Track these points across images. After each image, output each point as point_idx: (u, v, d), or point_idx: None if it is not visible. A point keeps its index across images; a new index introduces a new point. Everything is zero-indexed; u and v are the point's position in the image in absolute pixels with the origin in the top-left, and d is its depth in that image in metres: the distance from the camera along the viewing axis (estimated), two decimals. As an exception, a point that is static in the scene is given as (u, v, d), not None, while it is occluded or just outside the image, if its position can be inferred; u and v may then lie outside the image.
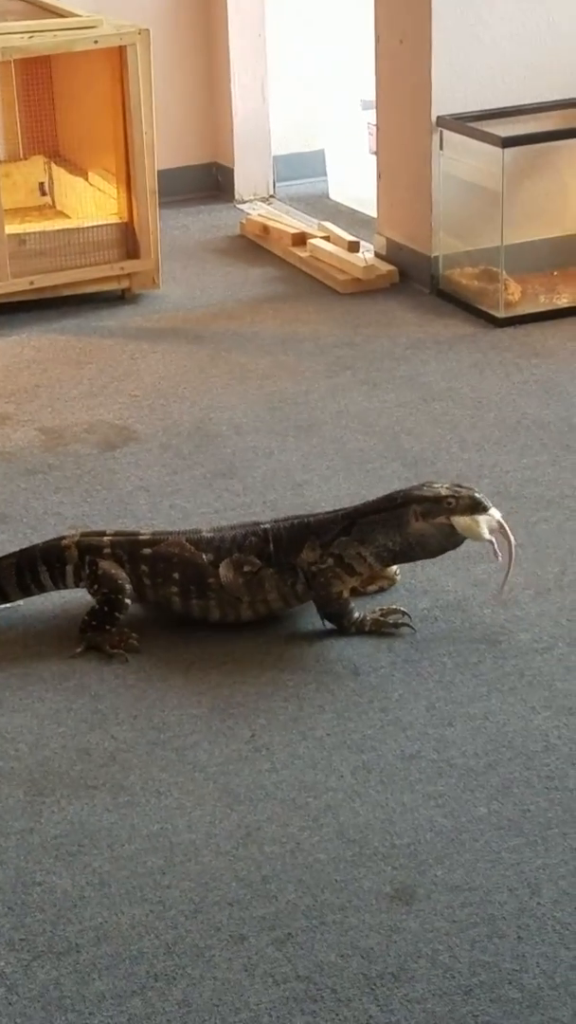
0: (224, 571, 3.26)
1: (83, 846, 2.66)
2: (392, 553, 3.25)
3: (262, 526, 3.32)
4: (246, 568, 3.25)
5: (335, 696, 3.09)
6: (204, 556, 3.27)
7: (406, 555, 3.26)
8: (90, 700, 3.11)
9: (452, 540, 3.22)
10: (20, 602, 3.44)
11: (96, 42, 5.14)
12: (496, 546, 3.19)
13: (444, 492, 3.20)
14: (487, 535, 3.18)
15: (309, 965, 2.37)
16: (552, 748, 2.88)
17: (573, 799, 2.73)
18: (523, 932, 2.41)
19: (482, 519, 3.17)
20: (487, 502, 3.19)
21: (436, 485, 3.25)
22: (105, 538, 3.34)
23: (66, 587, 3.37)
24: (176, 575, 3.27)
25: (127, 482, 4.11)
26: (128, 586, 3.27)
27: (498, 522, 3.19)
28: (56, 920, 2.49)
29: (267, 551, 3.26)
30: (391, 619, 3.30)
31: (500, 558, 3.20)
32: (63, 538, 3.39)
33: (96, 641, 3.28)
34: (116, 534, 3.37)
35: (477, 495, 3.19)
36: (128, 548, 3.30)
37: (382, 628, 3.29)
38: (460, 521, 3.17)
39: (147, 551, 3.30)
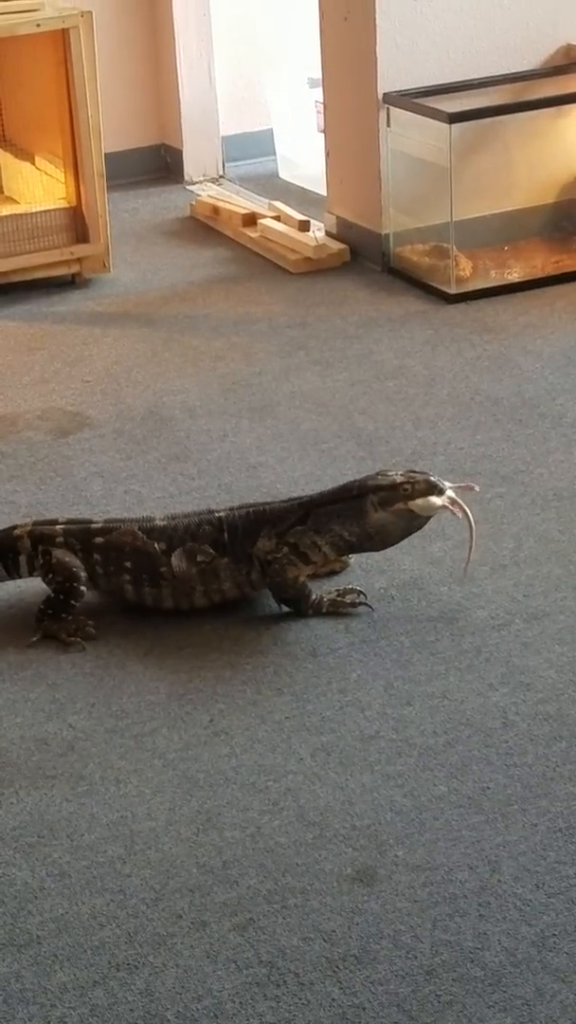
0: (177, 561, 3.24)
1: (42, 837, 2.65)
2: (348, 543, 3.25)
3: (216, 514, 3.30)
4: (199, 558, 3.24)
5: (293, 679, 3.08)
6: (156, 545, 3.26)
7: (364, 545, 3.26)
8: (47, 689, 3.10)
9: (414, 524, 3.22)
10: (-25, 593, 3.43)
11: (38, 25, 5.09)
12: (461, 504, 3.20)
13: (399, 479, 3.20)
14: (436, 505, 3.19)
15: (271, 950, 2.37)
16: (510, 724, 2.88)
17: (532, 775, 2.73)
18: (484, 910, 2.42)
19: (437, 499, 3.19)
20: (443, 484, 3.19)
21: (391, 473, 3.25)
22: (57, 527, 3.32)
23: (20, 576, 3.35)
24: (128, 564, 3.26)
25: (81, 468, 4.09)
26: (83, 574, 3.26)
27: (452, 499, 3.20)
28: (16, 912, 2.48)
29: (221, 540, 3.25)
30: (348, 599, 3.29)
31: (461, 518, 3.20)
32: (15, 527, 3.37)
33: (52, 630, 3.27)
34: (68, 522, 3.35)
35: (432, 478, 3.19)
36: (80, 537, 3.29)
37: (339, 608, 3.28)
38: (418, 503, 3.18)
39: (99, 540, 3.28)
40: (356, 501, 3.22)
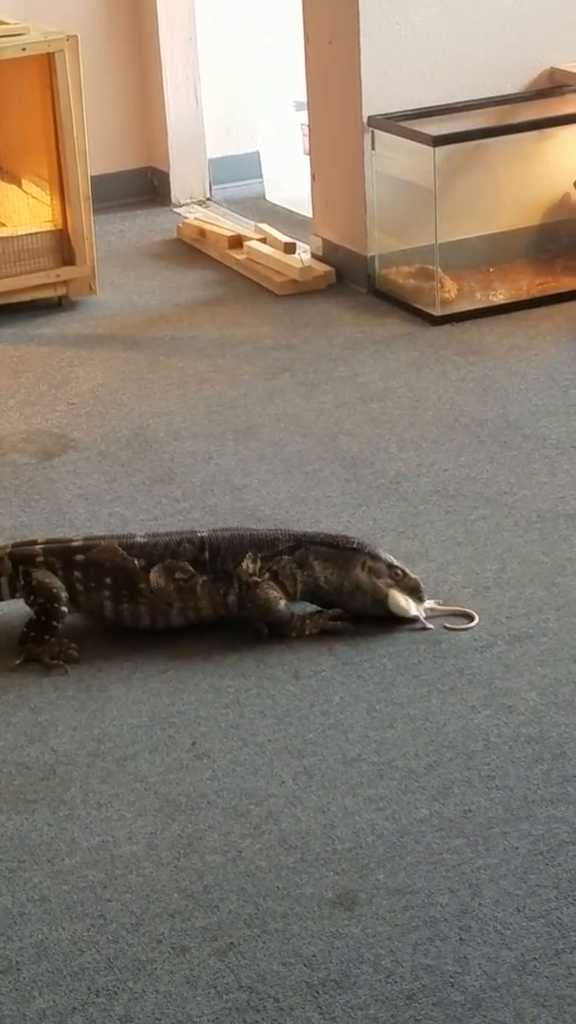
0: (155, 576, 3.24)
1: (23, 862, 2.64)
2: (318, 588, 3.27)
3: (199, 534, 3.31)
4: (178, 575, 3.24)
5: (276, 701, 3.08)
6: (136, 561, 3.26)
7: (328, 596, 3.28)
8: (29, 713, 3.09)
9: (376, 606, 3.27)
10: (-42, 616, 3.43)
11: (24, 49, 5.11)
12: (423, 619, 3.26)
13: (396, 563, 3.29)
14: (413, 611, 3.26)
15: (251, 975, 2.36)
16: (492, 747, 2.88)
17: (513, 798, 2.73)
18: (465, 934, 2.41)
19: (415, 604, 3.27)
20: (424, 594, 3.28)
21: (388, 555, 3.31)
22: (37, 547, 3.32)
23: (1, 599, 3.35)
24: (108, 580, 3.26)
25: (66, 491, 4.09)
26: (63, 594, 3.26)
27: (428, 610, 3.28)
28: (-4, 938, 2.47)
29: (201, 559, 3.25)
30: (330, 618, 3.30)
31: (429, 627, 3.26)
32: None
33: (35, 653, 3.26)
34: (48, 542, 3.35)
35: (420, 585, 3.29)
36: (61, 555, 3.29)
37: (323, 626, 3.28)
38: (396, 596, 3.26)
39: (80, 557, 3.28)
40: (350, 553, 3.27)
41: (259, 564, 3.25)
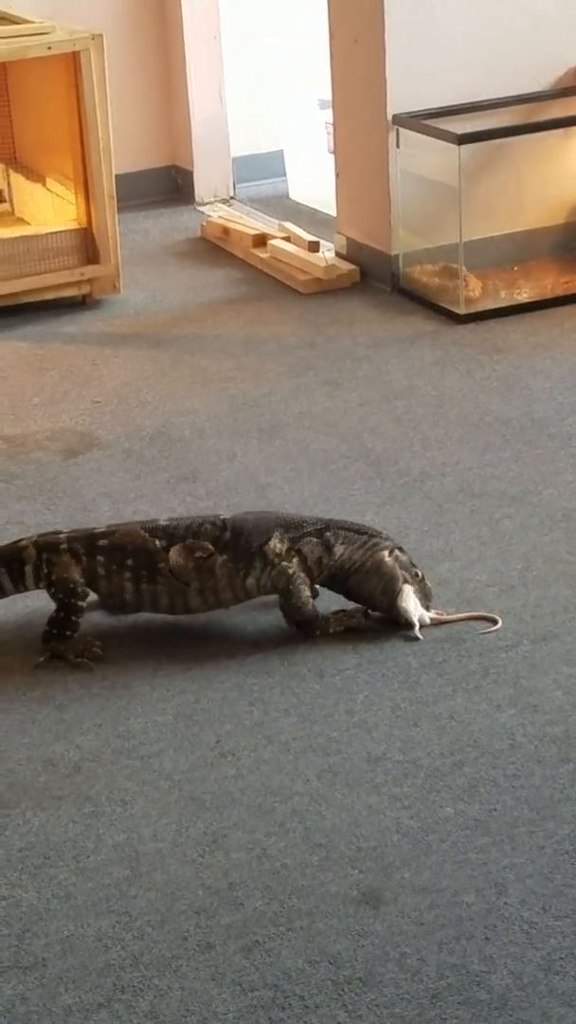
0: (175, 555, 3.24)
1: (48, 858, 2.65)
2: (339, 569, 3.25)
3: (221, 516, 3.33)
4: (197, 553, 3.24)
5: (300, 699, 3.08)
6: (157, 542, 3.26)
7: (345, 576, 3.26)
8: (54, 710, 3.10)
9: (383, 596, 3.24)
10: (-17, 613, 3.44)
11: (50, 48, 5.12)
12: (418, 630, 3.23)
13: (418, 570, 3.29)
14: (415, 619, 3.23)
15: (277, 972, 2.36)
16: (518, 746, 2.87)
17: (539, 797, 2.72)
18: (491, 933, 2.41)
19: (422, 610, 3.25)
20: (429, 607, 3.29)
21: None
22: (61, 535, 3.33)
23: (26, 588, 3.35)
24: (130, 562, 3.26)
25: (90, 489, 4.09)
26: (81, 588, 3.26)
27: (431, 620, 3.26)
28: (22, 934, 2.48)
29: (222, 539, 3.25)
30: (355, 617, 3.29)
31: (420, 637, 3.24)
32: (21, 539, 3.38)
33: (60, 650, 3.27)
34: (73, 531, 3.36)
35: (429, 597, 3.29)
36: (84, 541, 3.29)
37: (347, 624, 3.28)
38: (409, 594, 3.24)
39: (103, 542, 3.29)
40: (378, 539, 3.27)
41: (286, 544, 3.24)
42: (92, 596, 3.31)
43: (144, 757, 2.92)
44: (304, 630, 3.28)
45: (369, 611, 3.31)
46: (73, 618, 3.26)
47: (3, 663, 3.27)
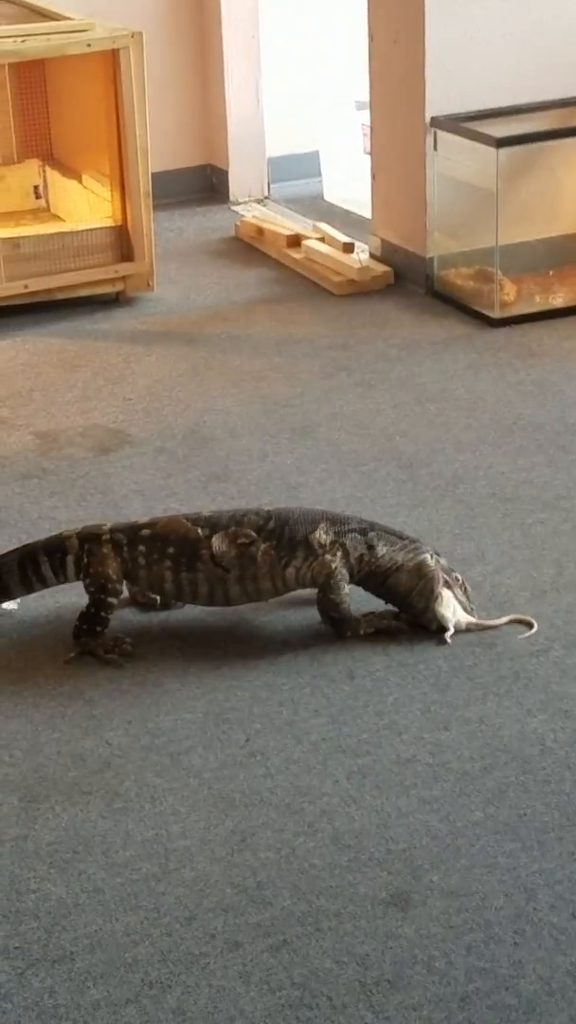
0: (218, 542, 3.24)
1: (77, 853, 2.65)
2: (377, 568, 3.24)
3: (266, 508, 3.33)
4: (240, 539, 3.24)
5: (330, 700, 3.08)
6: (200, 530, 3.27)
7: (382, 575, 3.25)
8: (84, 705, 3.10)
9: (420, 597, 3.22)
10: (15, 606, 3.44)
11: (89, 45, 5.13)
12: (449, 636, 3.22)
13: (459, 575, 3.30)
14: (450, 624, 3.22)
15: (304, 972, 2.36)
16: (548, 751, 2.87)
17: (569, 803, 2.71)
18: (519, 938, 2.40)
19: (462, 613, 3.24)
20: (472, 611, 3.28)
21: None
22: (105, 526, 3.33)
23: (67, 579, 3.34)
24: (171, 550, 3.25)
25: (121, 486, 4.10)
26: (113, 586, 3.26)
27: (467, 624, 3.25)
28: (51, 928, 2.48)
29: (266, 528, 3.25)
30: (385, 620, 3.29)
31: (448, 641, 3.23)
32: (65, 530, 3.38)
33: (90, 646, 3.27)
34: (116, 523, 3.37)
35: (471, 603, 3.29)
36: (127, 531, 3.30)
37: (378, 625, 3.28)
38: (449, 598, 3.23)
39: (146, 532, 3.29)
40: (419, 544, 3.27)
41: (331, 536, 3.24)
42: (124, 593, 3.32)
43: (173, 754, 2.92)
44: (337, 628, 3.27)
45: (399, 614, 3.30)
46: (103, 614, 3.27)
47: (34, 658, 3.28)
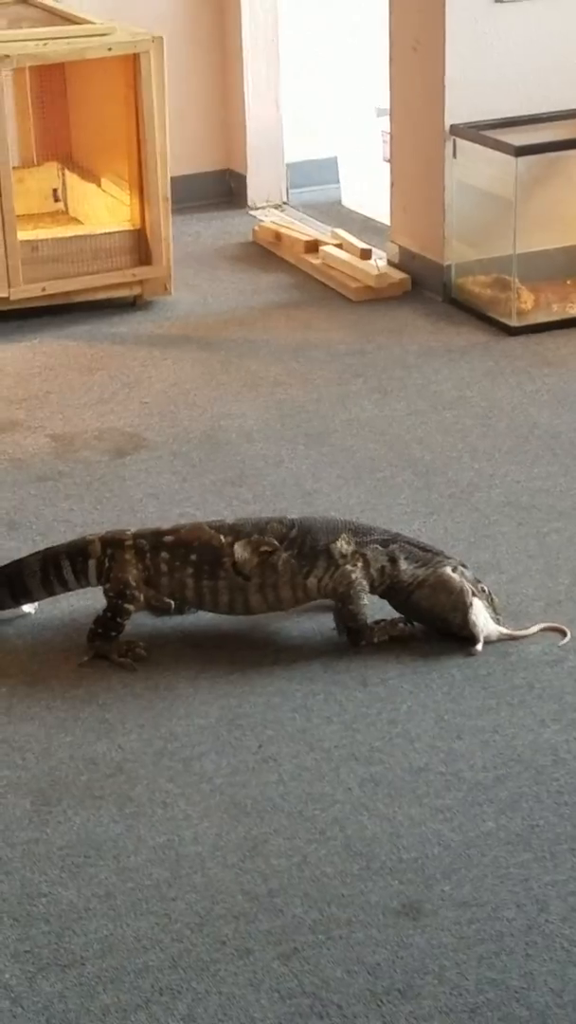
0: (240, 549, 3.24)
1: (89, 857, 2.65)
2: (399, 583, 3.23)
3: (289, 517, 3.33)
4: (263, 548, 3.24)
5: (343, 707, 3.07)
6: (223, 538, 3.26)
7: (406, 591, 3.24)
8: (97, 709, 3.10)
9: (453, 611, 3.21)
10: (32, 610, 3.44)
11: (110, 49, 5.13)
12: (480, 646, 3.21)
13: (486, 586, 3.29)
14: (480, 635, 3.21)
15: (315, 980, 2.35)
16: (561, 762, 2.86)
17: (582, 814, 2.71)
18: (531, 949, 2.40)
19: (492, 624, 3.23)
20: (500, 621, 3.28)
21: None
22: (128, 532, 3.33)
23: (88, 584, 3.33)
24: (193, 556, 3.25)
25: (137, 489, 4.10)
26: (131, 592, 3.26)
27: (498, 636, 3.24)
28: (61, 932, 2.48)
29: (288, 536, 3.25)
30: (398, 627, 3.29)
31: (478, 650, 3.22)
32: (88, 535, 3.38)
33: (104, 650, 3.27)
34: (140, 529, 3.36)
35: (498, 613, 3.28)
36: (151, 538, 3.30)
37: (392, 634, 3.27)
38: (480, 609, 3.22)
39: (168, 539, 3.29)
40: (442, 557, 3.26)
41: (353, 546, 3.24)
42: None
43: (186, 759, 2.92)
44: (352, 638, 3.27)
45: (411, 623, 3.30)
46: (120, 620, 3.27)
47: (47, 661, 3.28)
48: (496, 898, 2.51)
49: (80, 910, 2.52)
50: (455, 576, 3.22)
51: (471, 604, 3.21)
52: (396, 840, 2.66)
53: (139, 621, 3.35)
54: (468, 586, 3.22)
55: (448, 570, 3.23)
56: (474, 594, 3.22)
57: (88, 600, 3.39)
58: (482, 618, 3.22)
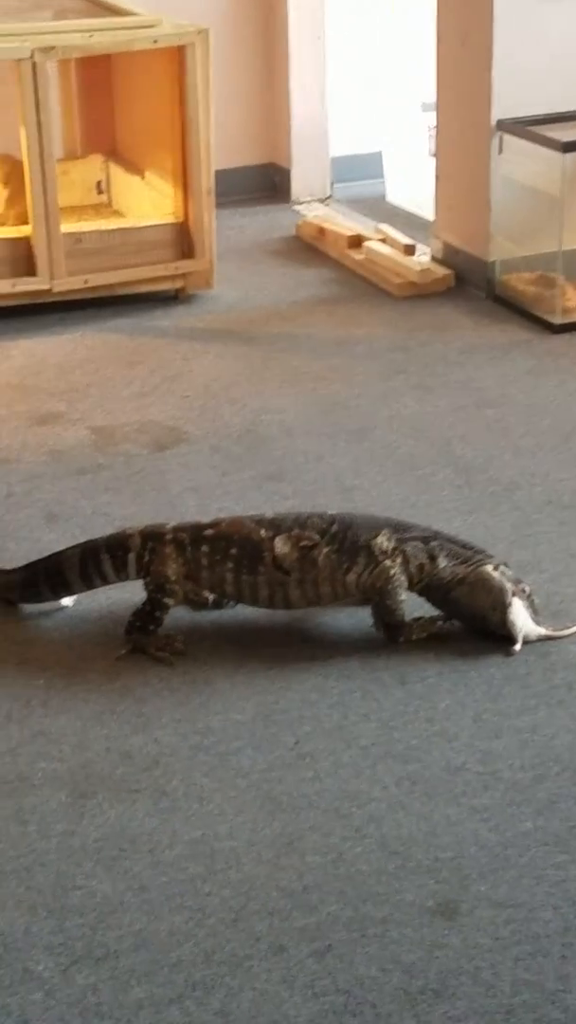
0: (280, 544, 3.23)
1: (124, 850, 2.65)
2: (439, 581, 3.21)
3: (330, 512, 3.31)
4: (303, 543, 3.22)
5: (381, 705, 3.05)
6: (263, 532, 3.25)
7: (446, 589, 3.22)
8: (134, 703, 3.10)
9: (492, 611, 3.18)
10: (71, 602, 3.44)
11: (155, 42, 5.13)
12: (518, 646, 3.19)
13: (527, 586, 3.25)
14: (519, 634, 3.18)
15: (349, 978, 2.34)
16: (601, 763, 2.83)
17: (621, 816, 2.68)
18: (568, 951, 2.37)
19: (531, 624, 3.20)
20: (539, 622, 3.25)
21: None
22: (168, 525, 3.32)
23: (128, 577, 3.32)
24: (234, 551, 3.24)
25: (176, 483, 4.09)
26: (170, 587, 3.25)
27: (537, 636, 3.22)
28: (95, 925, 2.47)
29: (329, 531, 3.23)
30: (436, 623, 3.27)
31: (516, 650, 3.19)
32: (128, 528, 3.38)
33: (141, 643, 3.27)
34: (180, 523, 3.35)
35: (538, 613, 3.25)
36: (191, 532, 3.29)
37: (430, 631, 3.25)
38: (519, 608, 3.19)
39: (209, 532, 3.28)
40: (483, 556, 3.24)
41: (393, 542, 3.22)
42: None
43: (222, 754, 2.91)
44: (390, 634, 3.25)
45: (450, 620, 3.28)
46: (158, 614, 3.26)
47: (84, 654, 3.28)
48: (533, 899, 2.49)
49: (114, 903, 2.52)
50: (495, 575, 3.20)
51: (510, 604, 3.18)
52: (432, 839, 2.65)
53: (177, 615, 3.34)
54: (508, 585, 3.20)
55: (488, 569, 3.21)
56: (514, 594, 3.20)
57: (126, 593, 3.39)
58: (521, 618, 3.19)
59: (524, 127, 5.12)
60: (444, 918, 2.46)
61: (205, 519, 3.38)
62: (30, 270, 5.24)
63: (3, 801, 2.78)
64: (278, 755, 2.90)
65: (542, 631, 3.23)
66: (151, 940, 2.43)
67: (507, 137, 5.17)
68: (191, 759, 2.90)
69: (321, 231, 6.10)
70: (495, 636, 3.21)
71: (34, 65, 4.98)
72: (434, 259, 5.65)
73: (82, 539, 3.56)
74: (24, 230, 5.30)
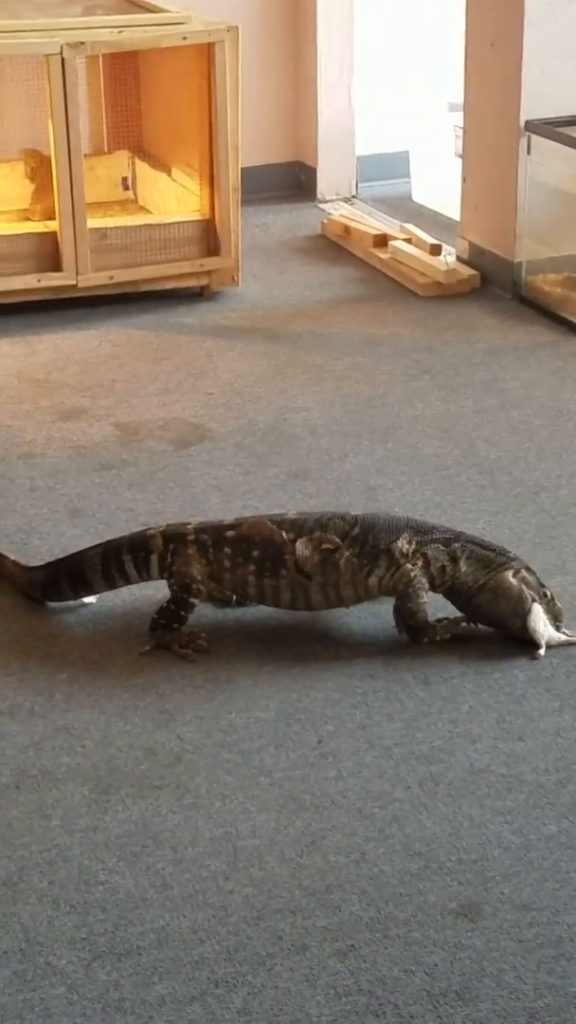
0: (301, 547, 3.22)
1: (147, 847, 2.65)
2: (462, 586, 3.21)
3: (352, 513, 3.30)
4: (324, 546, 3.22)
5: (404, 705, 3.05)
6: (285, 534, 3.24)
7: (467, 595, 3.21)
8: (157, 699, 3.10)
9: (513, 618, 3.19)
10: (93, 599, 3.44)
11: (185, 38, 5.12)
12: (543, 651, 3.19)
13: (548, 590, 3.24)
14: (542, 640, 3.18)
15: (372, 979, 2.33)
16: (625, 767, 2.83)
17: None
18: (591, 955, 2.37)
19: (551, 630, 3.20)
20: (560, 628, 3.24)
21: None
22: (190, 526, 3.32)
23: (150, 578, 3.33)
24: (256, 553, 3.24)
25: (200, 480, 4.09)
26: (196, 586, 3.25)
27: (559, 642, 3.21)
28: (118, 921, 2.47)
29: (350, 534, 3.22)
30: (460, 625, 3.26)
31: (541, 655, 3.19)
32: (149, 528, 3.38)
33: (165, 640, 3.27)
34: (201, 523, 3.35)
35: (562, 614, 3.24)
36: (212, 533, 3.28)
37: (454, 632, 3.25)
38: (539, 613, 3.18)
39: (230, 533, 3.27)
40: (504, 559, 3.22)
41: (414, 545, 3.21)
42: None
43: (245, 752, 2.91)
44: (413, 635, 3.25)
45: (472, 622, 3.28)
46: (183, 613, 3.26)
47: (108, 650, 3.28)
48: (556, 902, 2.48)
49: (137, 899, 2.52)
50: (514, 582, 3.19)
51: (530, 610, 3.18)
52: (456, 840, 2.64)
53: (200, 613, 3.34)
54: (527, 592, 3.19)
55: (508, 575, 3.20)
56: (534, 599, 3.19)
57: (150, 589, 3.39)
58: (542, 623, 3.18)
59: (552, 128, 5.11)
60: (467, 920, 2.45)
61: (227, 518, 3.38)
62: (56, 265, 5.25)
63: (26, 795, 2.79)
64: (301, 754, 2.90)
65: (563, 636, 3.22)
66: (173, 937, 2.44)
67: (535, 138, 5.16)
68: (214, 756, 2.90)
69: (346, 230, 6.09)
70: (520, 640, 3.21)
71: (63, 60, 4.99)
72: (460, 259, 5.65)
73: (105, 535, 3.58)
74: (50, 225, 5.31)
